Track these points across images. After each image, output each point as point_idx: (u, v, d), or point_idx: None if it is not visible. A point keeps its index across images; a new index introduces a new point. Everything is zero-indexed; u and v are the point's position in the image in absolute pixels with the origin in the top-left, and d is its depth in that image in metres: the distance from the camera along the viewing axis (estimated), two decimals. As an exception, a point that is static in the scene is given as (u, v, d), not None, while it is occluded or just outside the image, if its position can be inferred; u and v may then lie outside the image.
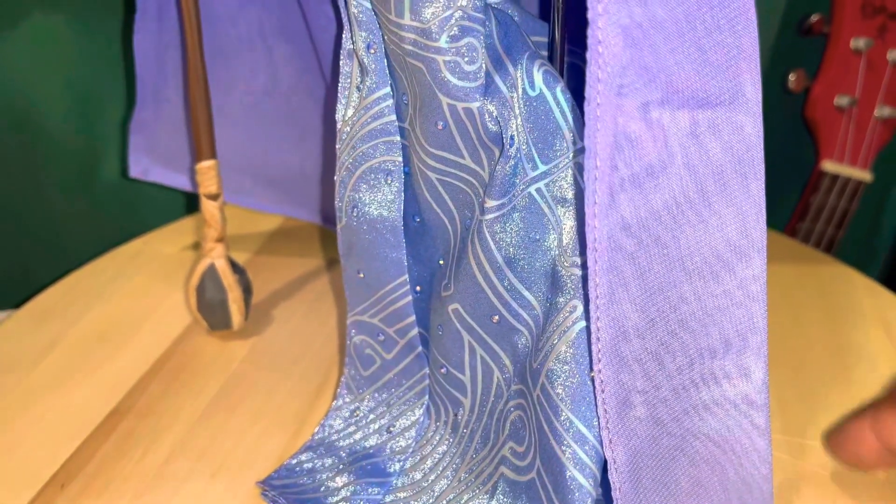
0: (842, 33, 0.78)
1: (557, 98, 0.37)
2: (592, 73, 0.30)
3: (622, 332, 0.33)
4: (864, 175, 0.81)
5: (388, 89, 0.39)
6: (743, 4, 0.30)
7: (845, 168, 0.81)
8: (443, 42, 0.34)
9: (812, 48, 0.81)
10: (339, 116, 0.41)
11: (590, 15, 0.29)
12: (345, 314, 0.47)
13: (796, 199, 0.86)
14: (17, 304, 0.60)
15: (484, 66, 0.35)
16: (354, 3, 0.37)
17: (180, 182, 0.63)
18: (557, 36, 0.40)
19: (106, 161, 0.74)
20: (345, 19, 0.39)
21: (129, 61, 0.70)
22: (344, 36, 0.40)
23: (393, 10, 0.35)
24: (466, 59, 0.35)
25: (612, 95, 0.30)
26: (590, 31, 0.29)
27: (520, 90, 0.37)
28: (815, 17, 0.79)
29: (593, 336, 0.32)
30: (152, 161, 0.61)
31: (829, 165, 0.81)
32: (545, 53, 0.42)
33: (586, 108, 0.30)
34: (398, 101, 0.39)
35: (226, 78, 0.55)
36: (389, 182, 0.41)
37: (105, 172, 0.74)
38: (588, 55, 0.30)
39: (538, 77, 0.36)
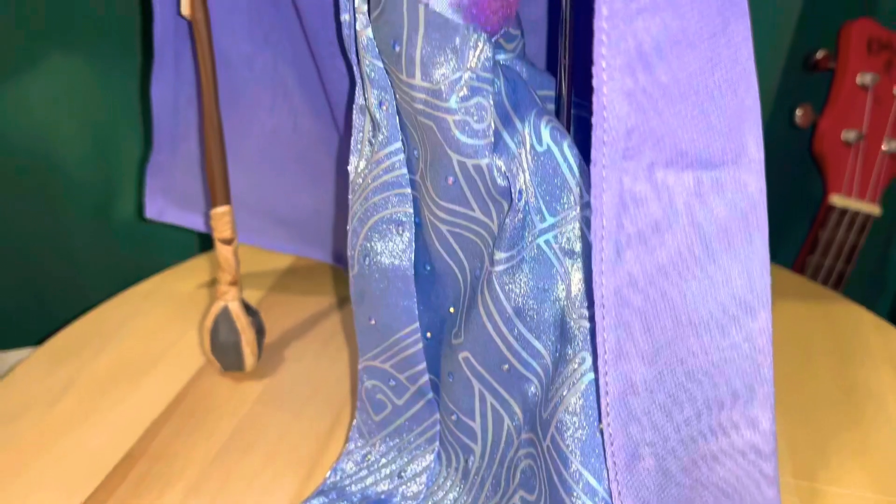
0: (848, 69, 0.79)
1: (564, 153, 0.38)
2: (598, 136, 0.31)
3: (630, 386, 0.33)
4: (873, 209, 0.82)
5: (399, 144, 0.40)
6: (744, 68, 0.31)
7: (853, 202, 0.82)
8: (453, 103, 0.35)
9: (818, 83, 0.82)
10: (351, 168, 0.42)
11: (595, 82, 0.30)
12: (356, 354, 0.47)
13: (805, 233, 0.87)
14: (34, 339, 0.61)
15: (492, 123, 0.37)
16: (367, 62, 0.38)
17: (194, 222, 0.64)
18: (564, 90, 0.41)
19: (122, 199, 0.76)
20: (357, 77, 0.40)
21: (145, 101, 0.72)
22: (357, 91, 0.41)
23: (404, 71, 0.36)
24: (475, 117, 0.36)
25: (617, 158, 0.31)
26: (595, 97, 0.30)
27: (528, 146, 0.38)
28: (820, 53, 0.80)
29: (601, 390, 0.33)
30: (167, 202, 0.63)
31: (837, 199, 0.82)
32: (552, 107, 0.43)
33: (592, 170, 0.31)
34: (409, 154, 0.40)
35: (240, 121, 0.56)
36: (401, 232, 0.42)
37: (121, 210, 0.76)
38: (594, 119, 0.31)
39: (545, 133, 0.38)
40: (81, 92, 0.70)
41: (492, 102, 0.36)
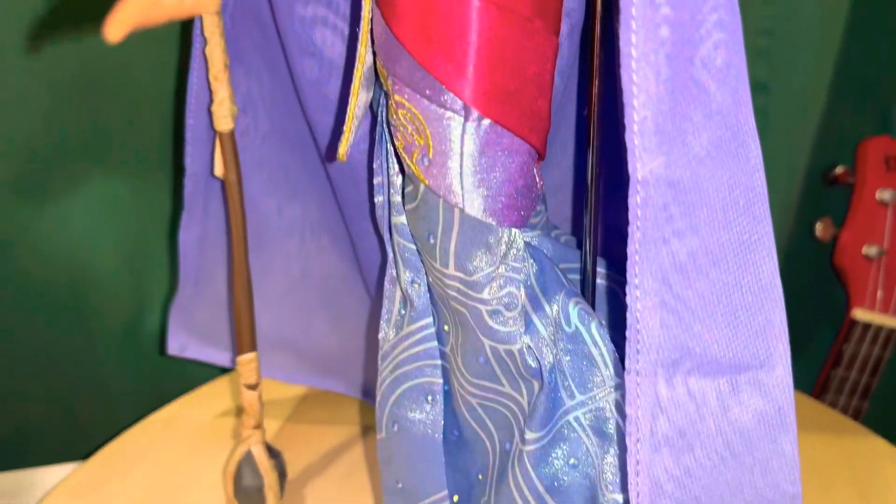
0: (866, 185, 0.81)
1: (592, 334, 0.39)
2: (632, 347, 0.33)
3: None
4: (897, 323, 0.83)
5: (430, 319, 0.42)
6: (769, 283, 0.33)
7: (877, 316, 0.83)
8: (486, 294, 0.37)
9: (838, 196, 0.85)
10: (381, 336, 0.44)
11: (628, 299, 0.32)
12: (377, 487, 0.48)
13: (828, 345, 0.88)
14: (63, 455, 0.62)
15: (523, 308, 0.39)
16: (400, 243, 0.40)
17: (216, 357, 0.66)
18: (589, 265, 0.43)
19: (153, 313, 0.78)
20: (389, 252, 0.42)
21: (176, 220, 0.75)
22: (388, 263, 0.43)
23: (438, 260, 0.38)
24: (508, 306, 0.38)
25: (650, 367, 0.33)
26: (629, 312, 0.32)
27: (556, 327, 0.40)
28: (839, 169, 0.82)
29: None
30: (190, 337, 0.65)
31: (860, 314, 0.84)
32: (576, 277, 0.45)
33: (627, 377, 0.33)
34: (439, 328, 0.42)
35: (267, 263, 0.59)
36: (431, 400, 0.44)
37: (152, 324, 0.78)
38: (628, 333, 0.33)
39: (573, 314, 0.40)
40: (118, 210, 0.74)
41: (523, 291, 0.38)
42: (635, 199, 0.30)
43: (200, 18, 0.46)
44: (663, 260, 0.32)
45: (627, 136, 0.30)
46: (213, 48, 0.45)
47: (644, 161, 0.30)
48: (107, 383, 0.79)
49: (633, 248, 0.31)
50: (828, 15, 0.74)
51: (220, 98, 0.46)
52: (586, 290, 0.44)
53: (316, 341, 0.63)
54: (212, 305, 0.62)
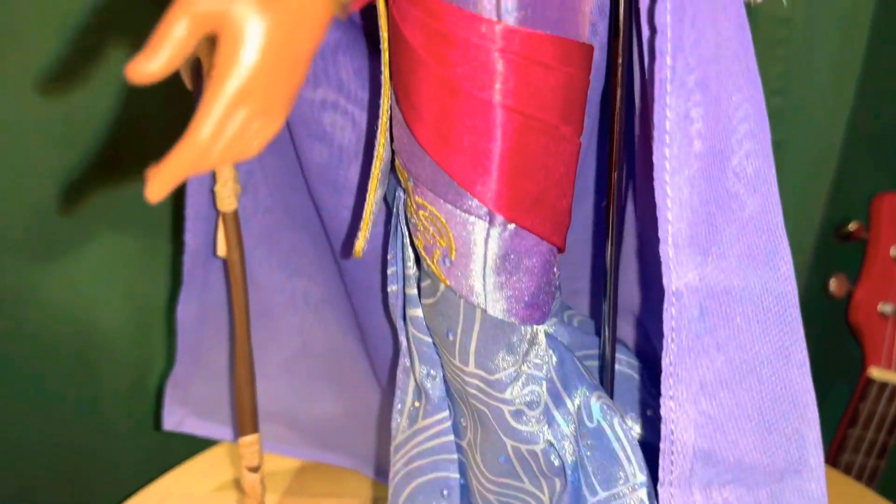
0: (880, 242, 0.81)
1: (615, 430, 0.39)
2: (665, 458, 0.32)
3: None
4: (914, 382, 0.82)
5: (446, 413, 0.41)
6: (802, 390, 0.33)
7: (893, 375, 0.83)
8: (509, 394, 0.36)
9: (852, 251, 0.84)
10: (394, 425, 0.43)
11: (663, 411, 0.31)
12: None
13: (845, 403, 0.87)
14: None
15: (545, 404, 0.38)
16: (415, 335, 0.39)
17: (216, 432, 0.65)
18: (608, 351, 0.43)
19: (157, 372, 0.77)
20: (403, 342, 0.41)
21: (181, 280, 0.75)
22: (402, 352, 0.42)
23: (457, 357, 0.37)
24: (530, 405, 0.37)
25: (685, 479, 0.32)
26: (663, 424, 0.32)
27: (578, 423, 0.39)
28: (853, 225, 0.82)
29: None
30: (187, 412, 0.63)
31: (876, 372, 0.83)
32: (594, 363, 0.44)
33: (660, 490, 0.32)
34: (456, 421, 0.41)
35: (263, 336, 0.57)
36: (446, 495, 0.43)
37: (155, 383, 0.77)
38: (662, 444, 0.32)
39: (595, 409, 0.39)
40: (127, 267, 0.74)
41: (545, 388, 0.37)
42: (670, 311, 0.30)
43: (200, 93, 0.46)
44: (697, 372, 0.31)
45: (662, 249, 0.29)
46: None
47: (679, 273, 0.29)
48: (111, 441, 0.78)
49: (667, 360, 0.31)
50: (840, 72, 0.75)
51: (223, 178, 0.46)
52: (605, 379, 0.43)
53: (319, 414, 0.61)
54: (211, 380, 0.61)
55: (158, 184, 0.29)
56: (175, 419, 0.64)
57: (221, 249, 0.48)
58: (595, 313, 0.49)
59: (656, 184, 0.29)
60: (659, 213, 0.29)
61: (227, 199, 0.46)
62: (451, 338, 0.37)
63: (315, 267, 0.54)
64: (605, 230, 0.41)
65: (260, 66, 0.28)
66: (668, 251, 0.29)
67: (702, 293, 0.30)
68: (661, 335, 0.37)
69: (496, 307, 0.35)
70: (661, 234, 0.29)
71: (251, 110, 0.28)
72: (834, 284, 0.82)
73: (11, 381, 0.73)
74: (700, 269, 0.30)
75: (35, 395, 0.74)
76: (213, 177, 0.46)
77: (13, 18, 0.64)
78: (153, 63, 0.28)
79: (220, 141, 0.29)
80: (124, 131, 0.68)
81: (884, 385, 0.83)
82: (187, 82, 0.45)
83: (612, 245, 0.39)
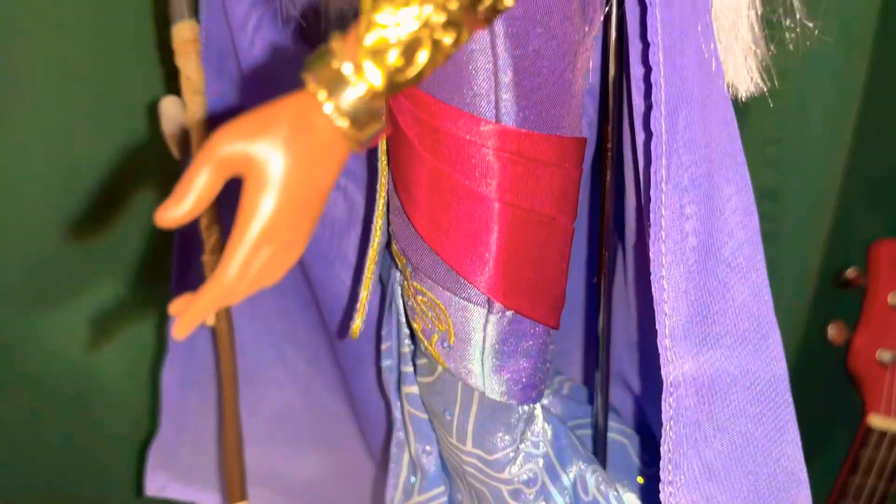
0: (879, 289, 0.82)
1: (611, 503, 0.39)
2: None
3: None
4: (914, 430, 0.83)
5: (442, 488, 0.41)
6: (796, 470, 0.33)
7: (893, 423, 0.83)
8: (507, 474, 0.37)
9: (851, 298, 0.85)
10: (388, 499, 0.43)
11: (662, 496, 0.32)
12: None
13: (845, 450, 0.87)
14: None
15: (542, 481, 0.38)
16: (410, 412, 0.40)
17: (202, 498, 0.65)
18: (601, 420, 0.43)
19: (154, 416, 0.77)
20: (398, 417, 0.42)
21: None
22: (395, 425, 0.42)
23: (455, 436, 0.38)
24: (528, 483, 0.38)
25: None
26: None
27: (574, 496, 0.39)
28: (851, 272, 0.83)
29: None
30: (170, 478, 0.64)
31: (875, 420, 0.83)
32: (587, 432, 0.45)
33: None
34: (451, 496, 0.42)
35: (250, 400, 0.58)
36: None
37: (153, 426, 0.77)
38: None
39: (591, 483, 0.39)
40: (126, 316, 0.74)
41: (542, 465, 0.38)
42: (668, 401, 0.30)
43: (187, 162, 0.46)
44: (696, 458, 0.32)
45: (659, 341, 0.30)
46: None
47: (675, 365, 0.30)
48: (110, 490, 0.78)
49: (665, 447, 0.31)
50: (835, 120, 0.76)
51: (210, 247, 0.46)
52: (598, 448, 0.43)
53: (305, 476, 0.62)
54: (195, 444, 0.62)
55: (186, 322, 0.31)
56: (157, 485, 0.64)
57: (210, 319, 0.48)
58: (587, 376, 0.50)
59: (653, 278, 0.30)
60: (656, 307, 0.30)
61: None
62: (448, 417, 0.37)
63: (303, 333, 0.54)
64: (595, 298, 0.42)
65: (283, 208, 0.29)
66: (665, 342, 0.30)
67: (698, 381, 0.31)
68: (650, 399, 0.38)
69: (494, 390, 0.35)
70: (658, 326, 0.30)
71: (275, 248, 0.30)
72: (833, 331, 0.83)
73: (11, 428, 0.74)
74: (696, 358, 0.30)
75: (34, 442, 0.75)
76: (200, 246, 0.46)
77: (15, 69, 0.65)
78: (180, 209, 0.29)
79: (245, 280, 0.30)
80: (123, 182, 0.69)
81: (884, 433, 0.83)
82: (175, 153, 0.46)
83: (603, 319, 0.40)
